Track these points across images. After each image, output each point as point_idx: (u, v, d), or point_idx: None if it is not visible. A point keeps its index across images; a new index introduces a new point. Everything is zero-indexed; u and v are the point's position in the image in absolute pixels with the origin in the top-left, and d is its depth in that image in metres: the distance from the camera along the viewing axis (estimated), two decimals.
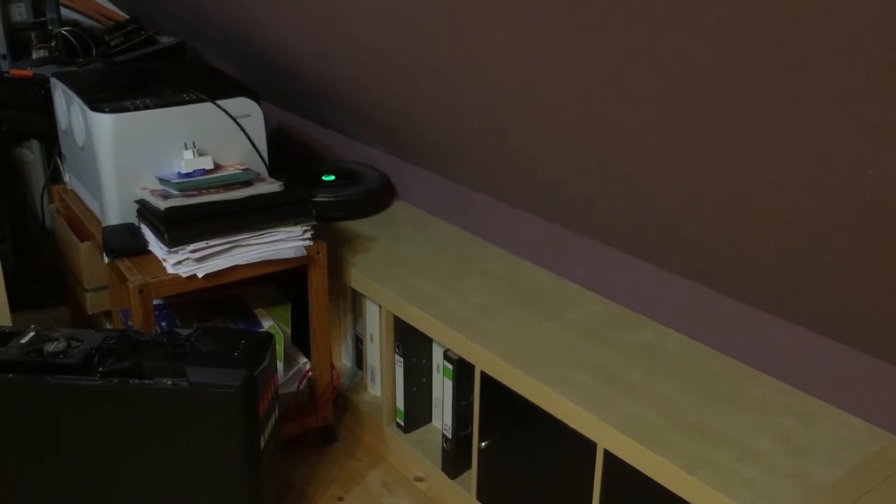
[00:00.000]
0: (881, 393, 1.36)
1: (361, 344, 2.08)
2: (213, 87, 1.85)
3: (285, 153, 2.61)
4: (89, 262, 1.93)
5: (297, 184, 2.06)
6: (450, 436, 1.79)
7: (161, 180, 1.75)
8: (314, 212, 1.77)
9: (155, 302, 1.65)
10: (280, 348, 1.84)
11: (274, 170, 1.90)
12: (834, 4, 0.80)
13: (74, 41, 2.27)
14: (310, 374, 1.91)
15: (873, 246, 1.08)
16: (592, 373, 1.52)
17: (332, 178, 2.20)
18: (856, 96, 0.87)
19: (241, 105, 1.83)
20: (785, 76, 0.92)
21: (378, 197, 2.17)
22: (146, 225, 1.70)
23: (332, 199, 2.10)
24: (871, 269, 1.13)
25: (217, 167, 1.81)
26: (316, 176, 2.20)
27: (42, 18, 2.32)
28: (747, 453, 1.32)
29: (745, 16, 0.88)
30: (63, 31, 2.28)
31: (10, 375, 1.46)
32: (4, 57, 2.25)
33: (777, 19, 0.86)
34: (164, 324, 1.85)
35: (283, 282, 1.99)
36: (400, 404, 1.92)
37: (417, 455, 1.87)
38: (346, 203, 2.11)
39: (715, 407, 1.43)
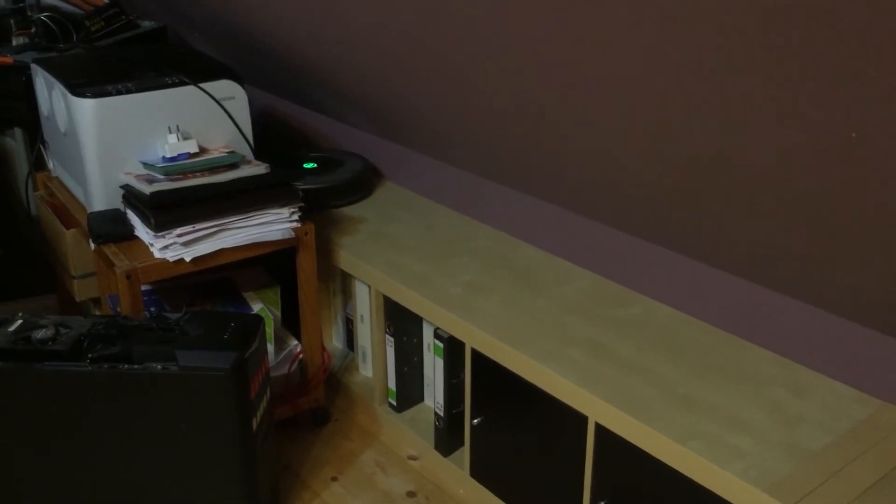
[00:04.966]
0: (870, 360, 1.37)
1: (352, 325, 2.07)
2: (196, 70, 1.83)
3: (269, 138, 2.59)
4: (76, 248, 1.92)
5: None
6: (442, 414, 1.79)
7: (146, 165, 1.74)
8: (301, 193, 1.76)
9: (143, 287, 1.64)
10: (270, 331, 1.84)
11: (260, 153, 1.89)
12: None
13: (54, 27, 2.25)
14: (301, 356, 1.91)
15: (860, 214, 1.08)
16: (583, 348, 1.53)
17: (313, 165, 2.19)
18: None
19: (225, 88, 1.81)
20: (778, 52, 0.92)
21: (363, 183, 2.16)
22: (132, 210, 1.69)
23: (316, 186, 2.09)
24: (859, 237, 1.13)
25: (202, 150, 1.80)
26: (297, 164, 2.18)
27: (21, 4, 2.30)
28: (738, 423, 1.33)
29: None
30: (42, 16, 2.26)
31: None
32: None
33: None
34: (152, 309, 1.84)
35: (273, 264, 1.98)
36: (392, 384, 1.92)
37: (410, 434, 1.88)
38: (331, 190, 2.10)
39: (705, 378, 1.44)
